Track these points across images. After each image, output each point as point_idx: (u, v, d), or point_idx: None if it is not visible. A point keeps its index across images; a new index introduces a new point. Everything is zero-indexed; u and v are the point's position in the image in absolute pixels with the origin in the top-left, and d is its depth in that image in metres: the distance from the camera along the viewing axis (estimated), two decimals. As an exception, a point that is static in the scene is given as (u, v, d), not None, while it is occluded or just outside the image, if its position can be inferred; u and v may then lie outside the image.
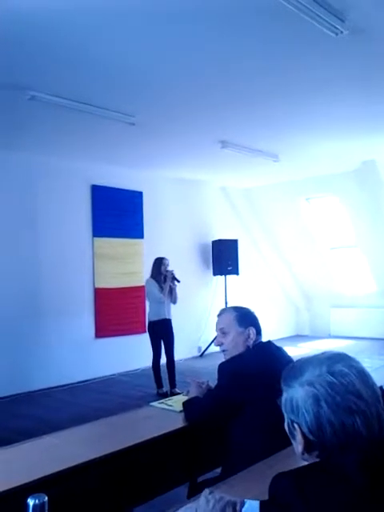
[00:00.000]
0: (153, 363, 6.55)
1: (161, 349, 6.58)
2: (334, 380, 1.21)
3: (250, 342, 2.47)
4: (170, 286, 6.55)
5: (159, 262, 6.61)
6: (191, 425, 2.53)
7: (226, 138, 6.55)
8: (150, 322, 6.60)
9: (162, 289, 6.49)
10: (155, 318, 6.51)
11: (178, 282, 6.63)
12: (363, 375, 1.23)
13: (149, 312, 6.70)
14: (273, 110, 5.44)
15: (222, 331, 2.53)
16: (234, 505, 1.33)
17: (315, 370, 1.25)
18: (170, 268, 6.60)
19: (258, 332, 2.49)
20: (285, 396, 1.30)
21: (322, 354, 1.32)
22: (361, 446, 1.17)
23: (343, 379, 1.21)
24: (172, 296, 6.59)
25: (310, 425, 1.22)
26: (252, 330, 2.47)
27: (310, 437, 1.23)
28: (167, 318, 6.55)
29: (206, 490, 1.40)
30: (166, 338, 6.57)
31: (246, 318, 2.51)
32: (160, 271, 6.56)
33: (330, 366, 1.24)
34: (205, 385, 2.77)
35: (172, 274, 6.55)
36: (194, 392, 2.72)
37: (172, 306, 6.63)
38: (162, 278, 6.55)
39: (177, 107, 5.25)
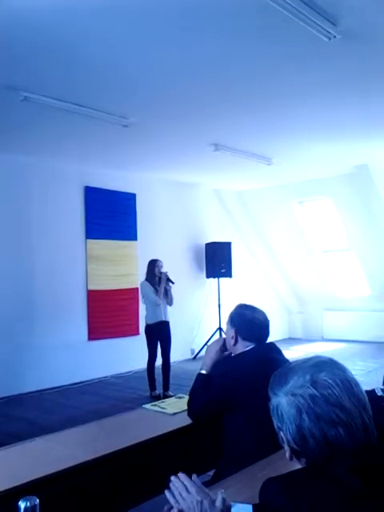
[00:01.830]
0: (148, 366, 6.50)
1: (157, 352, 6.52)
2: (316, 392, 1.21)
3: (230, 342, 2.50)
4: (165, 288, 6.50)
5: (153, 264, 6.57)
6: (193, 417, 2.53)
7: (219, 141, 6.56)
8: (147, 325, 6.52)
9: (156, 291, 6.45)
10: (152, 321, 6.45)
11: (173, 283, 6.59)
12: (347, 384, 1.23)
13: (146, 315, 6.60)
14: (266, 113, 5.45)
15: None
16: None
17: (299, 379, 1.25)
18: (164, 269, 6.57)
19: (245, 337, 2.47)
20: (272, 402, 1.30)
21: (308, 360, 1.31)
22: (348, 454, 1.17)
23: (325, 391, 1.20)
24: (168, 297, 6.53)
25: (293, 435, 1.23)
26: (232, 332, 2.49)
27: (294, 446, 1.24)
28: (165, 320, 6.48)
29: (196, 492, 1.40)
30: (163, 341, 6.51)
31: (233, 319, 2.54)
32: (154, 273, 6.51)
33: (313, 375, 1.24)
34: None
35: (166, 275, 6.51)
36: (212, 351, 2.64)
37: (168, 307, 6.59)
38: (157, 279, 6.51)
39: (170, 109, 5.25)
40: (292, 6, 3.12)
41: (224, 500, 1.36)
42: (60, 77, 4.32)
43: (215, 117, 5.54)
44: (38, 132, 5.91)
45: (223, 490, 1.39)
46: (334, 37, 3.52)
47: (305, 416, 1.20)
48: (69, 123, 5.53)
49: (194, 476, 1.46)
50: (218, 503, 1.34)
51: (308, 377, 1.24)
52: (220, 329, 9.02)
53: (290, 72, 4.32)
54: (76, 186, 7.64)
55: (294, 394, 1.23)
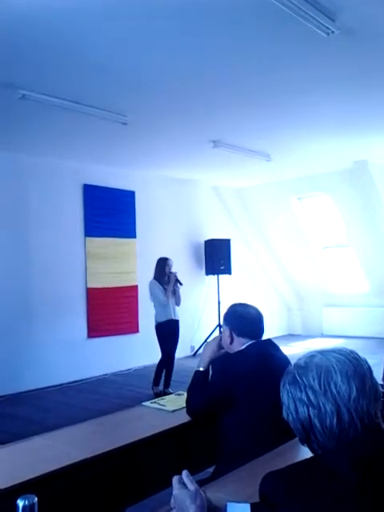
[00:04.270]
0: (159, 363, 6.47)
1: (169, 349, 6.48)
2: (320, 388, 1.24)
3: (227, 341, 2.51)
4: (174, 288, 6.45)
5: (163, 263, 6.48)
6: (192, 415, 2.54)
7: (218, 138, 6.55)
8: (157, 324, 6.45)
9: (165, 290, 6.38)
10: (162, 320, 6.39)
11: (181, 284, 6.54)
12: (360, 377, 1.25)
13: (155, 313, 6.49)
14: (265, 110, 5.44)
15: None
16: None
17: (315, 378, 1.27)
18: (173, 269, 6.49)
19: (240, 333, 2.47)
20: (281, 394, 1.33)
21: (332, 352, 1.32)
22: (348, 447, 1.18)
23: (335, 388, 1.23)
24: (175, 297, 6.49)
25: (303, 420, 1.26)
26: (227, 331, 2.50)
27: (302, 431, 1.27)
28: (174, 319, 6.45)
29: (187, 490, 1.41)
30: (172, 339, 6.47)
31: (226, 318, 2.56)
32: (164, 272, 6.43)
33: (327, 374, 1.26)
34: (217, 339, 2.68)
35: (175, 276, 6.44)
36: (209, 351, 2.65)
37: (176, 307, 6.55)
38: (166, 278, 6.44)
39: (169, 107, 5.24)
40: (290, 2, 3.11)
41: (188, 476, 1.41)
42: (58, 74, 4.30)
43: (214, 114, 5.52)
44: (36, 130, 5.89)
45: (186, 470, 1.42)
46: (333, 32, 3.51)
47: (310, 408, 1.24)
48: (67, 121, 5.52)
49: (185, 472, 1.48)
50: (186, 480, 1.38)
51: (323, 375, 1.26)
52: (219, 326, 9.01)
53: (288, 68, 4.30)
54: (75, 184, 7.62)
55: (310, 387, 1.26)
